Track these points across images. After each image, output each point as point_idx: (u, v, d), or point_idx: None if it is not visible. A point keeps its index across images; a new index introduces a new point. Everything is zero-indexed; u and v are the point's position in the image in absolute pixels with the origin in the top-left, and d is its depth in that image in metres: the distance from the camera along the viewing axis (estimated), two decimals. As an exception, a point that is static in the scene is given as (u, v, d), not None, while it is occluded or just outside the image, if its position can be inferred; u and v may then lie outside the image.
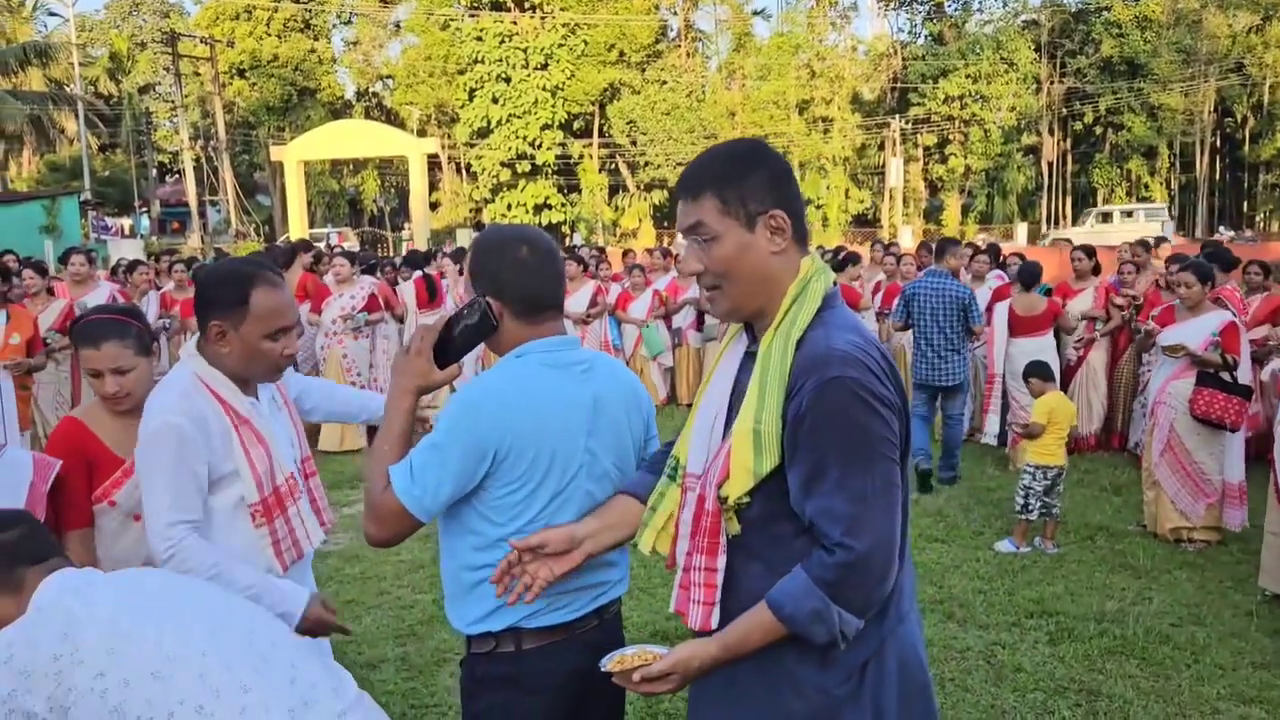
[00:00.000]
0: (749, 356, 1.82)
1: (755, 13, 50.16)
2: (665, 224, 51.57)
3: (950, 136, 45.17)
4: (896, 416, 1.68)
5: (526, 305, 2.04)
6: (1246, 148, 47.16)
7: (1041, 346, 7.78)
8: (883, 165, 44.60)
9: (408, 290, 10.37)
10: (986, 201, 47.85)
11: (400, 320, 10.17)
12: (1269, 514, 5.19)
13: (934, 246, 8.38)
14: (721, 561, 1.75)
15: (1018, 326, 7.90)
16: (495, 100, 44.33)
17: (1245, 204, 49.66)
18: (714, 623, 1.76)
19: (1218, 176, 50.09)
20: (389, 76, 51.12)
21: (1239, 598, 5.22)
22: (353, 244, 33.39)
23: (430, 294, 10.31)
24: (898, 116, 44.32)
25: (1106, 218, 36.57)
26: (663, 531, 1.92)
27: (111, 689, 1.59)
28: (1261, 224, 45.21)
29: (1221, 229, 41.86)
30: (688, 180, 1.81)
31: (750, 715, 1.79)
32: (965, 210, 48.23)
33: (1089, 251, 8.83)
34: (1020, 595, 5.29)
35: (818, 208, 46.70)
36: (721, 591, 1.76)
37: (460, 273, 10.77)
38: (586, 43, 44.68)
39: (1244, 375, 6.01)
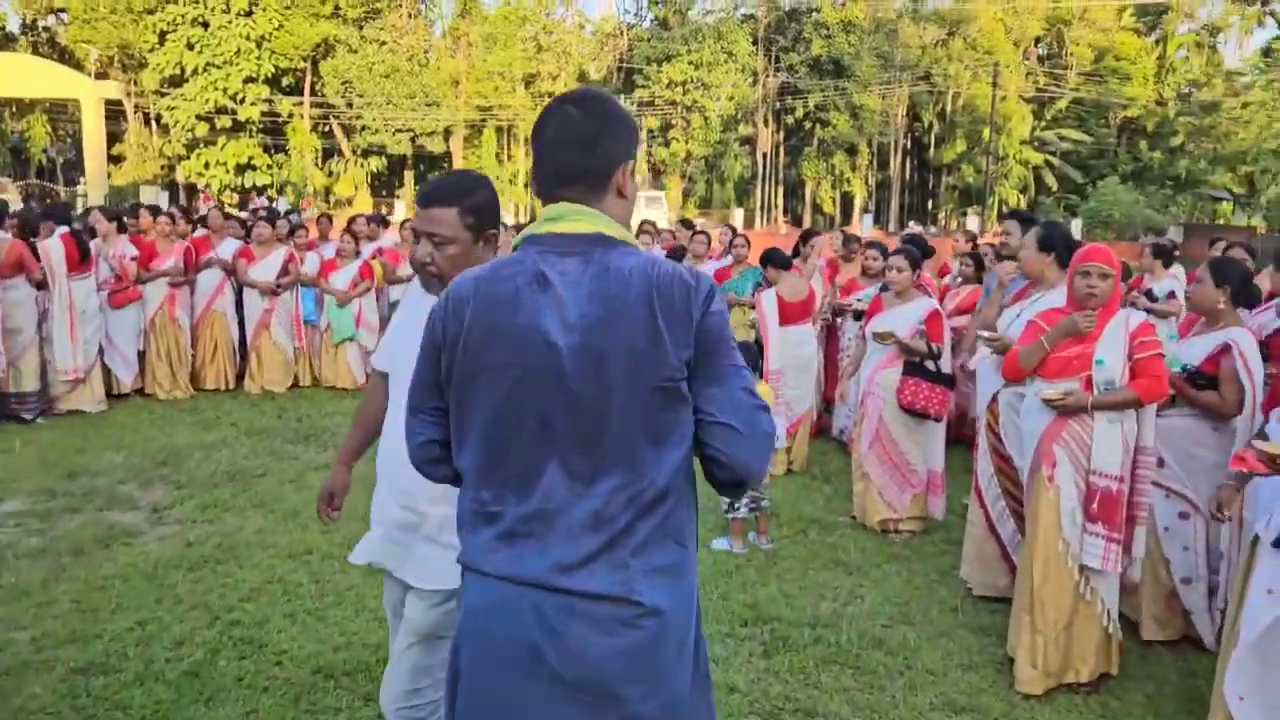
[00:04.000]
0: None
1: (482, -22, 48.72)
2: (384, 192, 49.30)
3: (673, 121, 46.12)
4: (436, 339, 1.88)
5: None
6: (933, 151, 51.70)
7: (806, 335, 7.41)
8: (608, 145, 44.76)
9: (55, 249, 8.38)
10: (706, 187, 49.44)
11: (40, 286, 8.15)
12: (971, 507, 5.07)
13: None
14: None
15: (787, 314, 7.22)
16: (191, 46, 40.20)
17: (931, 202, 54.48)
18: None
19: (909, 175, 54.64)
20: (62, 10, 44.93)
21: (945, 592, 5.09)
22: (13, 198, 28.98)
23: (82, 255, 8.51)
24: (622, 97, 44.63)
25: None
26: None
27: None
28: (944, 220, 49.69)
29: (912, 223, 45.63)
30: None
31: None
32: (686, 195, 49.55)
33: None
34: (735, 600, 4.88)
35: (543, 184, 46.18)
36: None
37: (118, 230, 9.15)
38: (298, -8, 41.54)
39: (945, 364, 5.95)
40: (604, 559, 1.73)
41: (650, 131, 47.66)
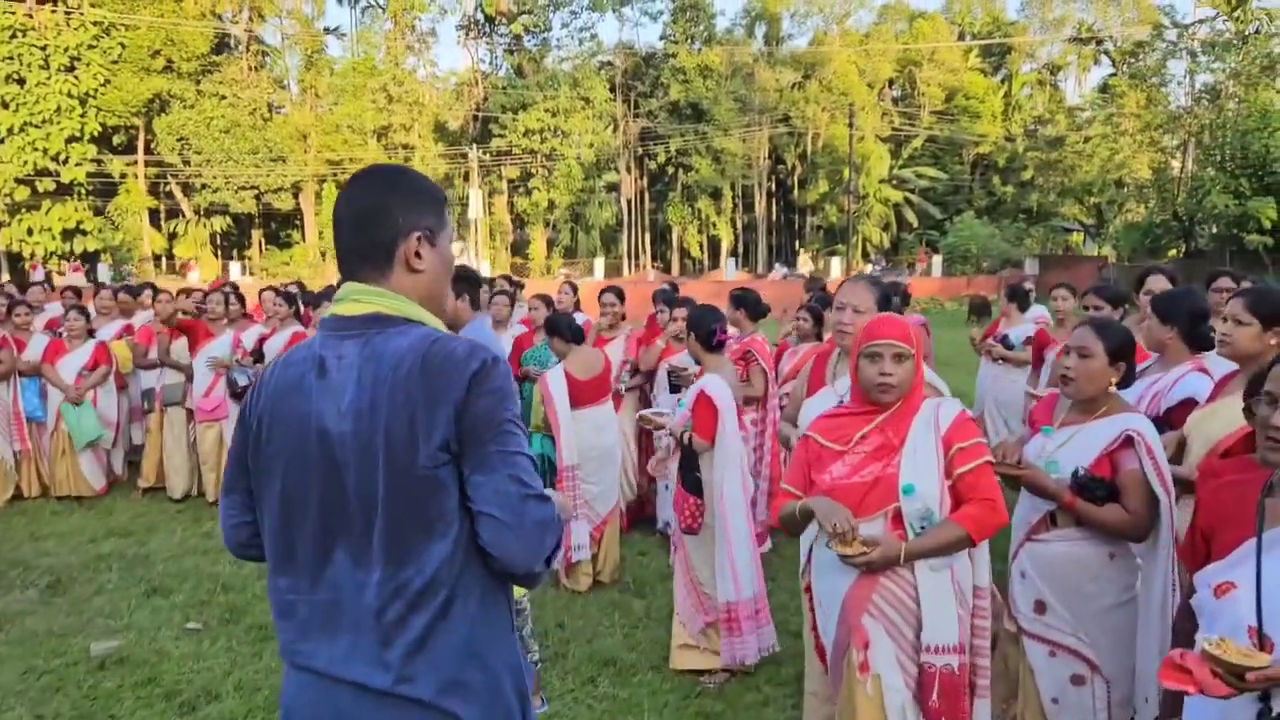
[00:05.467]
0: None
1: (327, 30, 46.89)
2: (237, 253, 46.62)
3: (533, 170, 45.00)
4: (244, 422, 1.88)
5: None
6: (796, 192, 51.94)
7: (605, 418, 6.10)
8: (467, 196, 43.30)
9: None
10: (571, 236, 48.34)
11: None
12: (807, 667, 3.71)
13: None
14: None
15: (580, 394, 5.89)
16: (5, 105, 37.16)
17: (797, 242, 54.66)
18: None
19: (774, 217, 54.77)
20: None
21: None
22: None
23: None
24: (475, 146, 43.30)
25: None
26: None
27: None
28: (810, 261, 49.73)
29: (777, 265, 45.44)
30: None
31: None
32: (551, 244, 48.38)
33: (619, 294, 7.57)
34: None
35: (401, 239, 44.34)
36: None
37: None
38: (125, 45, 38.89)
39: (711, 462, 4.54)
40: (385, 653, 1.70)
41: (511, 181, 46.39)
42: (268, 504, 1.81)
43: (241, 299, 8.35)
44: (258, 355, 8.01)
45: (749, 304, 6.53)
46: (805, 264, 46.12)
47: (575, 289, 8.66)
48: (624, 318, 7.62)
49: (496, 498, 1.68)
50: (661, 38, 51.26)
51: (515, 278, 10.92)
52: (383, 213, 1.79)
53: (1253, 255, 28.72)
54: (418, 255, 1.80)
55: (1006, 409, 8.06)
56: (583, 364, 5.94)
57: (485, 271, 32.32)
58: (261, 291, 8.81)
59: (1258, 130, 27.97)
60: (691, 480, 4.52)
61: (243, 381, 7.61)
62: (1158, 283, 5.27)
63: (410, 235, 1.80)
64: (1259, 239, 28.24)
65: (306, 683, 1.77)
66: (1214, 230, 29.75)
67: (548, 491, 1.78)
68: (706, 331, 4.71)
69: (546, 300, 8.15)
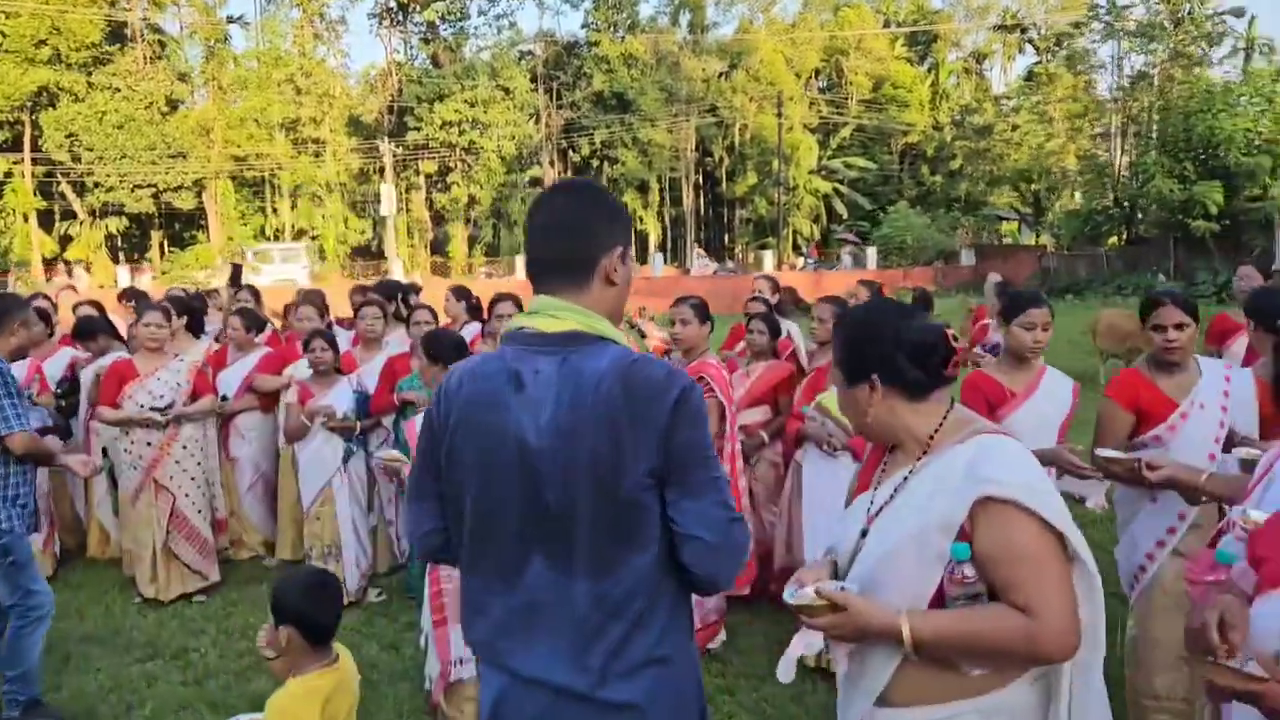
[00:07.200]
0: None
1: (230, 18, 44.35)
2: (137, 255, 43.88)
3: (452, 164, 43.09)
4: (432, 430, 1.94)
5: None
6: (725, 184, 50.81)
7: None
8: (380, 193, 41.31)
9: None
10: (493, 233, 46.55)
11: None
12: None
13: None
14: None
15: None
16: None
17: (726, 237, 53.59)
18: None
19: (703, 210, 53.57)
20: None
21: None
22: None
23: None
24: (389, 140, 41.21)
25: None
26: None
27: None
28: (740, 255, 48.69)
29: (699, 257, 44.18)
30: None
31: None
32: (472, 242, 46.53)
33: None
34: None
35: (314, 239, 42.20)
36: None
37: None
38: (5, 34, 36.08)
39: None
40: (585, 658, 1.77)
41: (428, 176, 44.40)
42: (462, 508, 1.86)
43: (46, 316, 6.55)
44: (67, 389, 6.35)
45: (704, 312, 5.01)
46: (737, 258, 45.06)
47: (468, 296, 7.09)
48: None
49: (705, 521, 1.75)
50: (583, 25, 49.81)
51: (409, 281, 9.26)
52: (591, 226, 1.86)
53: (1198, 242, 28.18)
54: (616, 270, 1.86)
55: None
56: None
57: (399, 273, 30.44)
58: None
59: (1201, 112, 27.41)
60: None
61: (37, 424, 5.88)
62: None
63: (613, 250, 1.86)
64: (1205, 225, 27.64)
65: (507, 683, 1.84)
66: (1157, 216, 29.14)
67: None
68: None
69: (461, 294, 6.66)
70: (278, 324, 8.18)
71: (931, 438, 1.98)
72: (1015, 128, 42.74)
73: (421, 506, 1.96)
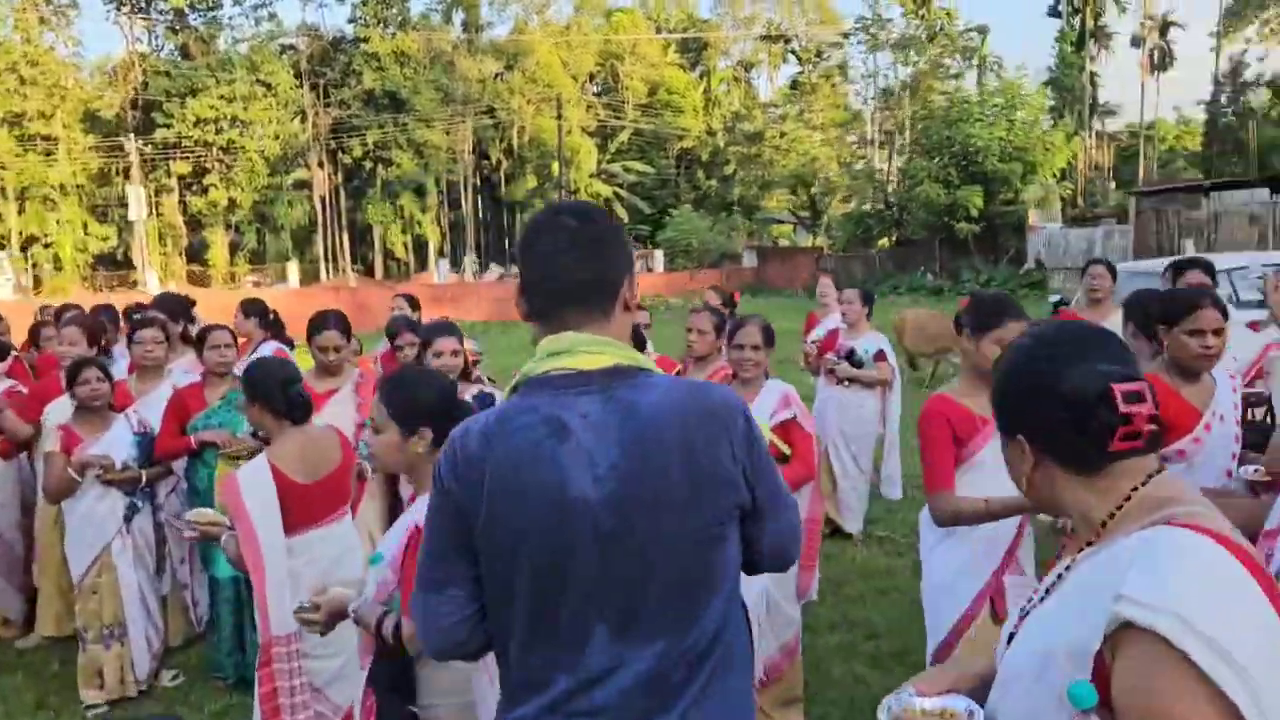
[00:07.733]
0: None
1: (-63, -2, 39.05)
2: None
3: (209, 165, 39.81)
4: (454, 503, 1.65)
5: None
6: (504, 188, 49.87)
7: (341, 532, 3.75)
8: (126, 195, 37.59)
9: None
10: (258, 238, 43.44)
11: None
12: None
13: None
14: None
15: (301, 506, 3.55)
16: None
17: (508, 241, 52.64)
18: None
19: (482, 215, 52.36)
20: None
21: None
22: None
23: None
24: (135, 138, 37.52)
25: None
26: None
27: None
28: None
29: (492, 266, 43.15)
30: None
31: None
32: (235, 248, 43.22)
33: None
34: None
35: (46, 246, 37.83)
36: None
37: None
38: None
39: None
40: (664, 717, 1.61)
41: (182, 178, 40.82)
42: (515, 585, 1.62)
43: None
44: None
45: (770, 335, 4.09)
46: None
47: (262, 311, 5.99)
48: (359, 352, 5.17)
49: (787, 534, 1.76)
50: (350, 20, 47.39)
51: (182, 294, 7.94)
52: (610, 250, 1.71)
53: (960, 243, 30.08)
54: (633, 296, 1.75)
55: (857, 443, 6.44)
56: (303, 454, 3.49)
57: (154, 284, 27.61)
58: None
59: (960, 122, 29.27)
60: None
61: None
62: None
63: (630, 275, 1.74)
64: (967, 227, 29.43)
65: None
66: (925, 219, 30.93)
67: None
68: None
69: (252, 308, 5.59)
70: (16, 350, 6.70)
71: (1104, 524, 1.38)
72: (784, 134, 44.44)
73: (441, 597, 1.68)
